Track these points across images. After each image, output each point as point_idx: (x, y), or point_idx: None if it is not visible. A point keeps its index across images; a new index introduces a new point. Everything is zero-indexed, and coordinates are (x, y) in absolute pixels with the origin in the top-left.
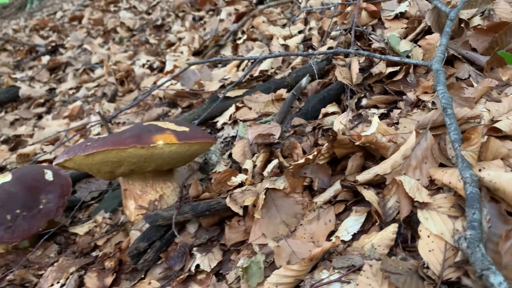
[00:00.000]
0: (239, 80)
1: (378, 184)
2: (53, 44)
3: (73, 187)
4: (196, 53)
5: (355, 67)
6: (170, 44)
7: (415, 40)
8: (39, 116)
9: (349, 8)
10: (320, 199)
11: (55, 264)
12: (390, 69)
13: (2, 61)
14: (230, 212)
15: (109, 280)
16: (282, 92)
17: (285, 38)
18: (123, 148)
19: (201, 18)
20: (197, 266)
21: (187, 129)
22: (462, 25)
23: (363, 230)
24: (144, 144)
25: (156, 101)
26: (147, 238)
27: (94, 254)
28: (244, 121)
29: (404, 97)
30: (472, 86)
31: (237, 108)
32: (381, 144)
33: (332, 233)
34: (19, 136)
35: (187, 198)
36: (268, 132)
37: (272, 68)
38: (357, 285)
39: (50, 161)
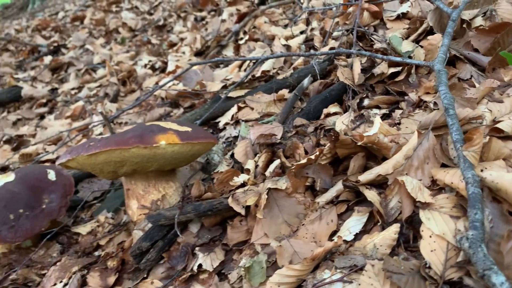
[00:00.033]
0: (241, 80)
1: (380, 184)
2: (55, 44)
3: (76, 187)
4: (198, 54)
5: (357, 68)
6: (172, 45)
7: (417, 41)
8: (42, 116)
9: (351, 9)
10: (322, 199)
11: (58, 263)
12: (392, 70)
13: (4, 61)
14: (232, 212)
15: (111, 279)
16: (284, 92)
17: (287, 38)
18: (126, 148)
19: (203, 19)
20: (200, 265)
21: (189, 129)
22: (464, 25)
23: (365, 230)
24: (147, 144)
25: (158, 101)
26: (149, 238)
27: (96, 253)
28: (246, 121)
29: (406, 97)
30: (474, 86)
31: (239, 108)
32: (383, 145)
33: (334, 233)
34: (21, 136)
35: (190, 198)
36: (270, 132)
37: (274, 68)
38: (359, 285)
39: (52, 161)
